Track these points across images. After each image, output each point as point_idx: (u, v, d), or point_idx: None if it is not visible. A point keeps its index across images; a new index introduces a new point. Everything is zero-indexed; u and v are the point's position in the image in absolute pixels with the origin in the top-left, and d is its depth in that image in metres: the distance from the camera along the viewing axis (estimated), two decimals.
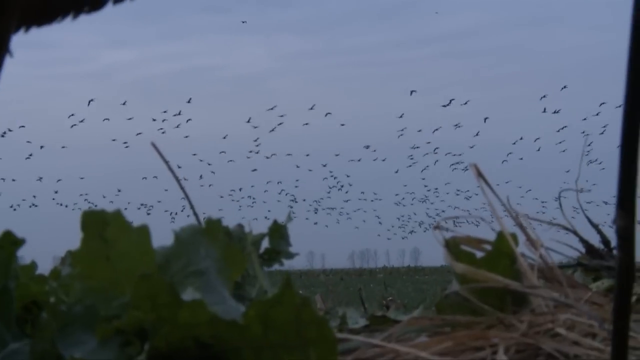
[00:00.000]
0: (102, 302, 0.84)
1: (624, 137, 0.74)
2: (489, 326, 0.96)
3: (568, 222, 1.26)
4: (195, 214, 1.26)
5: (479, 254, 1.09)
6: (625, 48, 0.69)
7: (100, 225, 0.85)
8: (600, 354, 0.85)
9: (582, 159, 1.36)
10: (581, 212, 1.35)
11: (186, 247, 0.87)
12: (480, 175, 1.10)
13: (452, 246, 1.07)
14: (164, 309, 0.75)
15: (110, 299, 0.84)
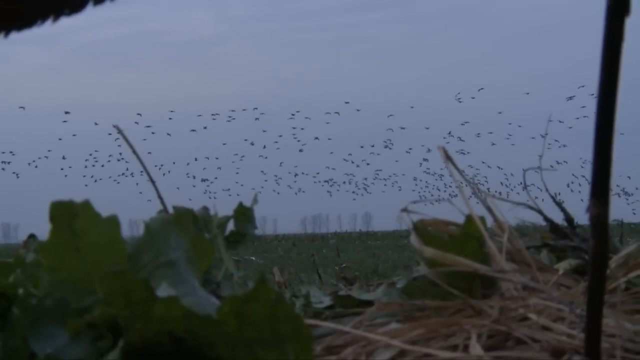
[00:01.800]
0: (72, 295, 0.82)
1: (597, 127, 0.74)
2: (458, 311, 0.96)
3: (533, 201, 1.27)
4: (160, 198, 1.24)
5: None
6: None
7: (69, 216, 0.83)
8: (571, 340, 0.85)
9: (545, 137, 1.36)
10: (545, 190, 1.35)
11: (156, 238, 0.86)
12: (448, 158, 1.09)
13: (420, 229, 1.07)
14: (138, 305, 0.74)
15: (80, 291, 0.83)
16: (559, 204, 1.37)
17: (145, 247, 0.85)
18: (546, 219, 1.28)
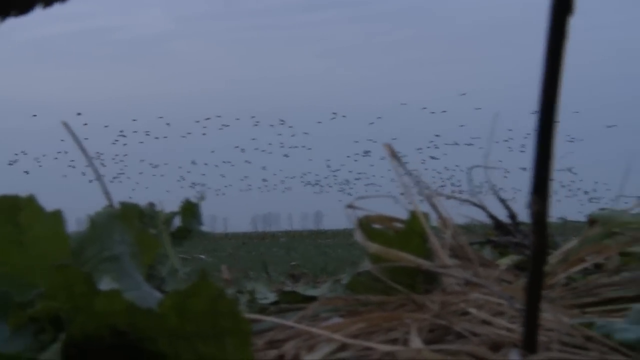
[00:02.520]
0: (15, 289, 0.82)
1: (539, 125, 0.75)
2: (400, 305, 0.97)
3: (477, 198, 1.28)
4: (106, 193, 1.24)
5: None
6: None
7: (13, 210, 0.83)
8: (510, 334, 0.86)
9: (491, 134, 1.38)
10: (491, 188, 1.36)
11: (100, 232, 0.86)
12: (394, 155, 1.10)
13: (365, 225, 1.08)
14: (80, 299, 0.73)
15: (23, 285, 0.82)
16: (502, 201, 1.39)
17: (89, 241, 0.85)
18: (490, 216, 1.30)
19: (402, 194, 1.11)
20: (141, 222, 1.16)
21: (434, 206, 1.15)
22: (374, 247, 1.03)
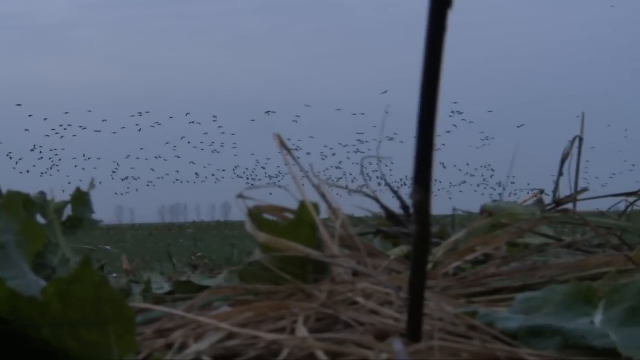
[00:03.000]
0: None
1: (420, 117, 0.76)
2: (289, 295, 0.98)
3: (370, 188, 1.30)
4: None
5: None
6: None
7: None
8: (396, 323, 0.87)
9: (382, 126, 1.39)
10: (383, 179, 1.38)
11: None
12: (283, 145, 1.11)
13: (255, 215, 1.08)
14: None
15: None
16: (395, 192, 1.40)
17: None
18: (382, 206, 1.31)
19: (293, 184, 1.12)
20: (29, 211, 1.14)
21: (323, 196, 1.16)
22: (263, 236, 1.04)
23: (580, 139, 2.36)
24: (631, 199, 2.03)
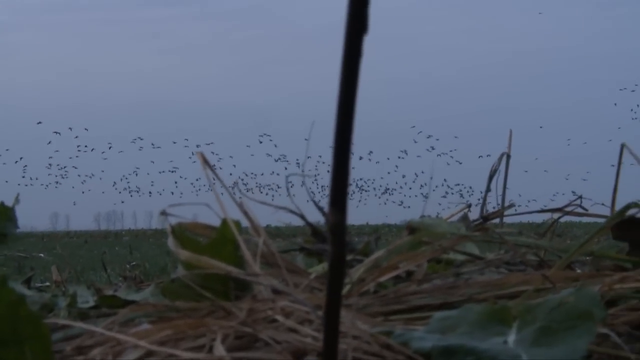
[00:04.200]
0: None
1: (336, 138, 0.77)
2: (209, 312, 0.98)
3: (296, 205, 1.30)
4: None
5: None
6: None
7: None
8: (314, 342, 0.88)
9: (309, 139, 1.40)
10: (309, 194, 1.38)
11: None
12: (205, 162, 1.11)
13: (178, 232, 1.08)
14: None
15: None
16: (320, 209, 1.41)
17: None
18: (307, 223, 1.32)
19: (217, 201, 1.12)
20: None
21: (245, 213, 1.16)
22: (185, 254, 1.04)
23: (508, 156, 2.39)
24: (557, 215, 2.07)
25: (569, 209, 1.98)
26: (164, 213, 1.08)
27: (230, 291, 1.04)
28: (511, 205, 2.18)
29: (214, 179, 1.11)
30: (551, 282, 1.13)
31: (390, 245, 1.28)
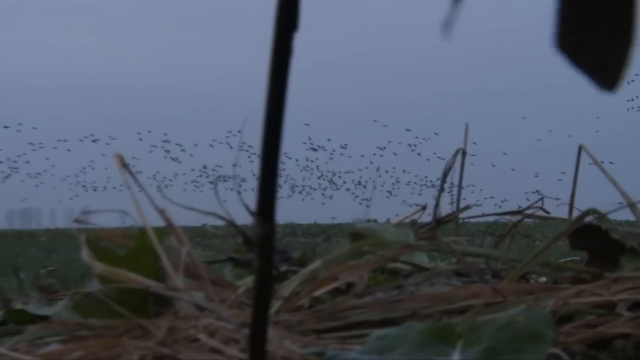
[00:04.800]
0: None
1: (264, 143, 0.78)
2: (126, 331, 0.98)
3: (226, 210, 1.30)
4: None
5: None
6: None
7: None
8: None
9: (240, 139, 1.40)
10: (240, 200, 1.38)
11: None
12: (123, 165, 1.11)
13: (92, 242, 1.08)
14: None
15: None
16: (252, 214, 1.41)
17: None
18: (237, 230, 1.32)
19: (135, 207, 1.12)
20: None
21: (167, 221, 1.16)
22: (100, 267, 1.04)
23: (464, 152, 2.41)
24: (516, 217, 2.09)
25: (530, 210, 2.00)
26: (78, 220, 1.08)
27: (149, 307, 1.05)
28: (467, 208, 2.19)
29: (135, 183, 1.11)
30: (502, 295, 1.15)
31: (329, 254, 1.29)
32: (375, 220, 1.91)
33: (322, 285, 1.20)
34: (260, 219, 0.79)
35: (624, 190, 1.46)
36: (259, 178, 0.79)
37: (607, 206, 1.32)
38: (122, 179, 1.10)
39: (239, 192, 1.39)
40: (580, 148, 1.74)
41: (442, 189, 2.31)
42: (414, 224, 1.88)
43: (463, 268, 1.33)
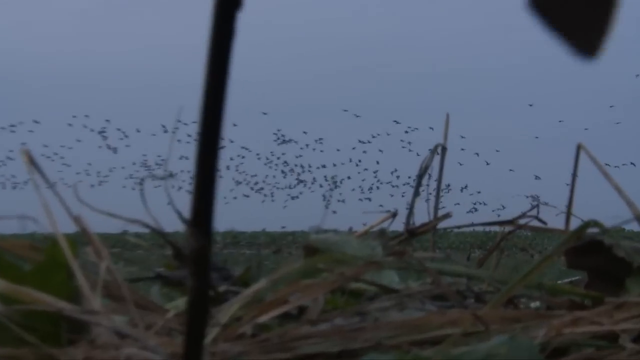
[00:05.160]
0: None
1: (201, 142, 0.81)
2: None
3: (154, 218, 1.32)
4: None
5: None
6: None
7: None
8: None
9: (173, 135, 1.43)
10: (169, 203, 1.41)
11: None
12: (32, 163, 1.14)
13: None
14: None
15: None
16: (185, 221, 1.43)
17: None
18: (167, 241, 1.35)
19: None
20: None
21: (83, 230, 1.19)
22: (2, 285, 1.06)
23: (444, 148, 2.44)
24: (508, 228, 2.12)
25: (524, 220, 2.03)
26: None
27: (61, 334, 1.07)
28: (447, 216, 2.22)
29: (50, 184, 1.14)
30: (484, 323, 1.18)
31: (278, 271, 1.31)
32: (335, 230, 1.93)
33: (268, 309, 1.22)
34: (196, 230, 0.83)
35: (630, 197, 1.49)
36: (194, 183, 0.82)
37: (611, 217, 1.35)
38: (30, 179, 1.13)
39: (170, 195, 1.42)
40: (578, 147, 1.77)
41: (416, 193, 2.34)
42: (382, 234, 1.90)
43: (439, 290, 1.36)
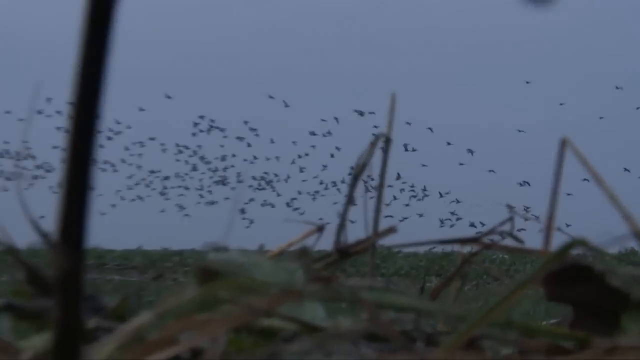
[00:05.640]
0: None
1: (72, 139, 0.82)
2: None
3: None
4: None
5: None
6: None
7: None
8: None
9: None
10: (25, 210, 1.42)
11: None
12: None
13: None
14: None
15: None
16: (44, 236, 1.45)
17: None
18: (20, 261, 1.36)
19: None
20: None
21: None
22: None
23: (388, 139, 2.44)
24: (476, 247, 2.13)
25: (491, 237, 2.03)
26: None
27: None
28: (390, 230, 2.21)
29: None
30: None
31: (164, 302, 1.31)
32: (240, 249, 1.93)
33: (153, 350, 1.24)
34: (64, 247, 0.84)
35: (626, 206, 1.49)
36: (63, 193, 0.83)
37: (605, 233, 1.36)
38: None
39: (23, 198, 1.43)
40: (563, 142, 1.78)
41: (350, 200, 2.35)
42: (304, 254, 1.91)
43: (378, 329, 1.38)
